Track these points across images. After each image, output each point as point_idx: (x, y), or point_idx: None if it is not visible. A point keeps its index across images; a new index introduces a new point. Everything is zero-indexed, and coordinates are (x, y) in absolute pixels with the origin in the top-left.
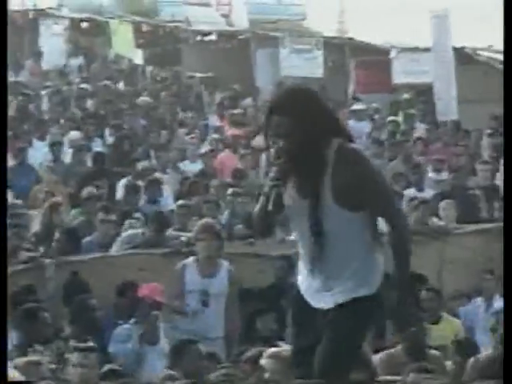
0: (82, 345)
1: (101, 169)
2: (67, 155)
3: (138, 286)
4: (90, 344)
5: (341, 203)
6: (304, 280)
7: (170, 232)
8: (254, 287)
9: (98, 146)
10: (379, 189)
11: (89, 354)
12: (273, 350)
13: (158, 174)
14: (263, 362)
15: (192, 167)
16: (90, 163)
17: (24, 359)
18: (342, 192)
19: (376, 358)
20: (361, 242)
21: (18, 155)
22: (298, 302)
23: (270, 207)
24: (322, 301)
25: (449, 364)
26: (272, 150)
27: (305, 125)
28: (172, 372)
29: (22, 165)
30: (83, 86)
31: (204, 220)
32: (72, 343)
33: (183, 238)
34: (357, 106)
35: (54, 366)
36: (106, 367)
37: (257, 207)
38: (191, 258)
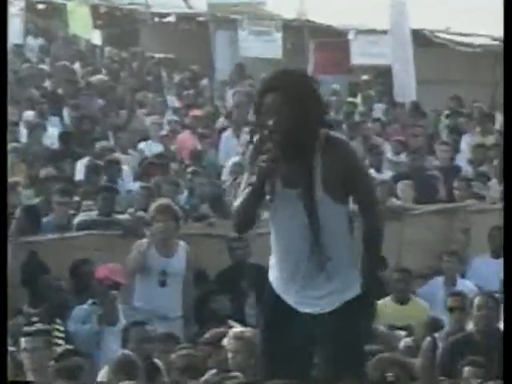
0: (30, 328)
1: (65, 149)
2: (24, 135)
3: (90, 263)
4: (40, 327)
5: (331, 194)
6: (281, 279)
7: (128, 212)
8: (210, 268)
9: (55, 126)
10: (364, 180)
11: (38, 337)
12: (236, 330)
13: (116, 155)
14: (226, 342)
15: (154, 148)
16: (55, 143)
17: None
18: (331, 182)
19: None
20: (345, 238)
21: None
22: (274, 303)
23: (269, 195)
24: (312, 305)
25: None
26: (257, 137)
27: (298, 107)
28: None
29: None
30: (41, 66)
31: (160, 200)
32: (24, 328)
33: (141, 219)
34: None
35: (12, 349)
36: (60, 348)
37: (239, 199)
38: (148, 239)
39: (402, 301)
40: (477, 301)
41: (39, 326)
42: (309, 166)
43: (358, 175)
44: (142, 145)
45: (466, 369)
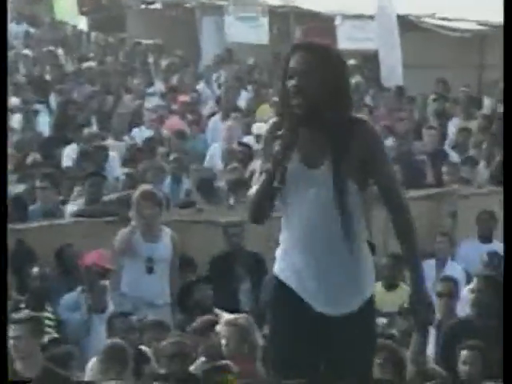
0: (16, 316)
1: (52, 135)
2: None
3: (75, 248)
4: (27, 314)
5: (353, 177)
6: (295, 271)
7: (112, 198)
8: (199, 255)
9: (42, 112)
10: (388, 165)
11: (25, 324)
12: (229, 317)
13: (104, 141)
14: (219, 329)
15: (146, 134)
16: (42, 129)
17: None
18: (354, 164)
19: None
20: (363, 226)
21: None
22: (284, 299)
23: (277, 183)
24: (335, 304)
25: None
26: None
27: (326, 71)
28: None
29: None
30: (26, 51)
31: (142, 187)
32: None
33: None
34: None
35: None
36: (49, 336)
37: (255, 188)
38: (132, 225)
39: (390, 286)
40: (475, 283)
41: (26, 313)
42: (333, 144)
43: (382, 159)
44: (135, 130)
45: (464, 353)
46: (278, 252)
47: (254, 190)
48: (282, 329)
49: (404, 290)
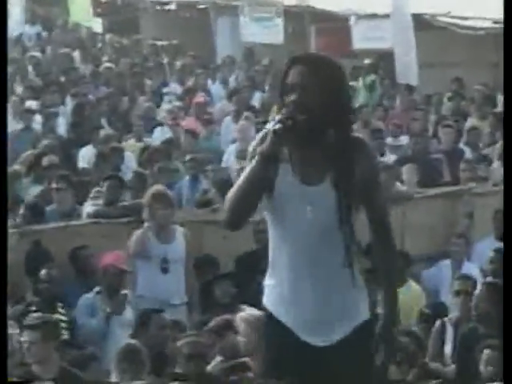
0: (31, 320)
1: (69, 137)
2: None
3: (90, 249)
4: (41, 318)
5: (354, 200)
6: (288, 302)
7: (129, 200)
8: (214, 253)
9: (58, 114)
10: (381, 192)
11: (39, 329)
12: (245, 314)
13: (119, 142)
14: (237, 326)
15: (167, 134)
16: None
17: None
18: (354, 186)
19: None
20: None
21: None
22: (279, 335)
23: (267, 174)
24: (320, 334)
25: None
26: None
27: (325, 85)
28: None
29: None
30: (41, 54)
31: (154, 188)
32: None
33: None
34: None
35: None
36: (64, 339)
37: (237, 186)
38: (145, 226)
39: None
40: (488, 284)
41: (40, 317)
42: (334, 162)
43: (377, 187)
44: (156, 130)
45: (486, 352)
46: (269, 281)
47: (235, 189)
48: (275, 364)
49: (411, 288)
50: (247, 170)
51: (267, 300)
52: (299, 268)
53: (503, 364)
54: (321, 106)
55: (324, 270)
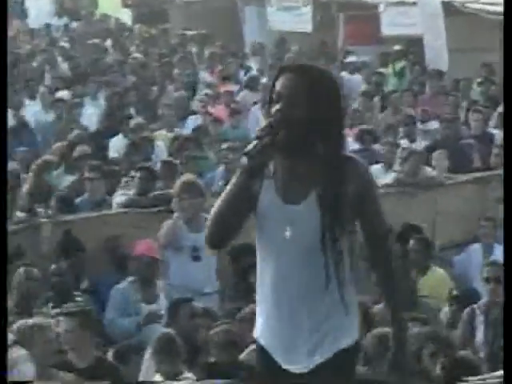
0: (66, 309)
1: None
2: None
3: (122, 239)
4: (74, 308)
5: (341, 220)
6: (270, 326)
7: (160, 190)
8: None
9: (89, 105)
10: (379, 210)
11: (73, 317)
12: None
13: (150, 132)
14: None
15: (196, 123)
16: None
17: (28, 322)
18: (343, 205)
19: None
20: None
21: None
22: (263, 361)
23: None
24: (298, 361)
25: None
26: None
27: (315, 95)
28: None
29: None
30: (70, 44)
31: (184, 177)
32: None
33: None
34: (351, 59)
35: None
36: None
37: (219, 203)
38: (175, 216)
39: (421, 270)
40: None
41: (76, 305)
42: (320, 179)
43: (370, 199)
44: (190, 118)
45: None
46: (259, 307)
47: (218, 205)
48: None
49: (435, 274)
50: (229, 186)
51: (256, 325)
52: (280, 291)
53: (503, 363)
54: (308, 117)
55: (305, 294)
